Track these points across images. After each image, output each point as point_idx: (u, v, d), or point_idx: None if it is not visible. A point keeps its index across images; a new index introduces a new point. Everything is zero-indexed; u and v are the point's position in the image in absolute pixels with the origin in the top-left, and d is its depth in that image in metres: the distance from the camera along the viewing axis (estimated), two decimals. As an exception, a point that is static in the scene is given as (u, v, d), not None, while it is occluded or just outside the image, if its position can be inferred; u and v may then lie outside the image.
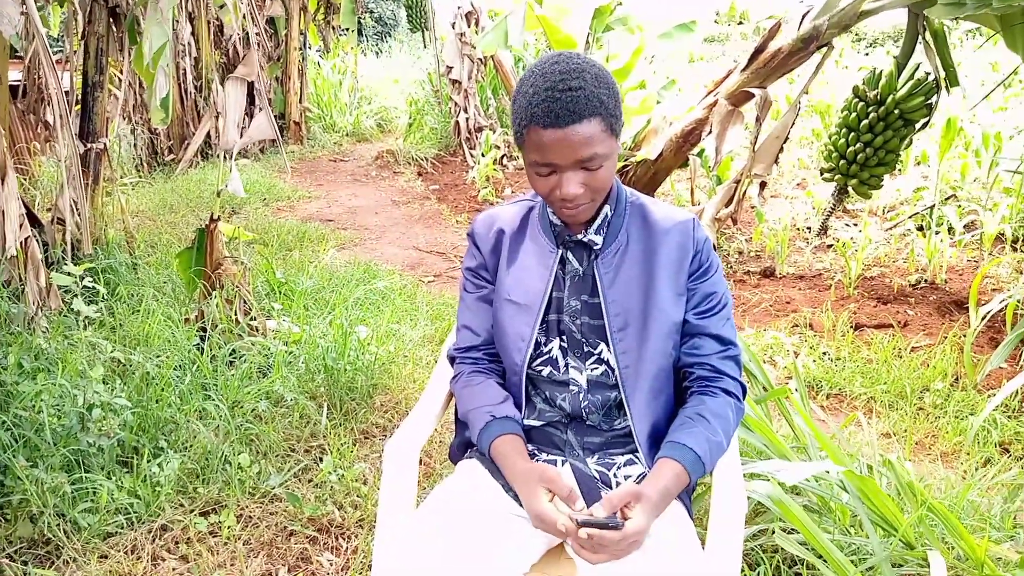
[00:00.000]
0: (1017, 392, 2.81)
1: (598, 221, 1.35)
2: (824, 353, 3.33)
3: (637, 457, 1.39)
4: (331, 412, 2.58)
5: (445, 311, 3.59)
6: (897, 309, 3.84)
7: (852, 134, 3.81)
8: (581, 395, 1.38)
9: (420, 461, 1.44)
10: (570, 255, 1.38)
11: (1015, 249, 4.75)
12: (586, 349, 1.38)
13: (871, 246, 4.66)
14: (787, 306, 3.94)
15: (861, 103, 3.77)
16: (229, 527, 2.02)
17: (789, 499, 1.43)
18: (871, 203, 5.81)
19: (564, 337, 1.38)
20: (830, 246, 4.95)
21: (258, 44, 8.36)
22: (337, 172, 7.71)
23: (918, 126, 3.73)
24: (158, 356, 2.61)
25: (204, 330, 2.86)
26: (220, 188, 2.94)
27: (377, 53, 15.97)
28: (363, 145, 9.28)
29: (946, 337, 3.37)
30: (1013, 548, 1.52)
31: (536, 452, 1.41)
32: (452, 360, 1.52)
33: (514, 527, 1.29)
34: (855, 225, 5.52)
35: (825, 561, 1.45)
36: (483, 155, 6.99)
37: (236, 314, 2.95)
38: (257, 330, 2.99)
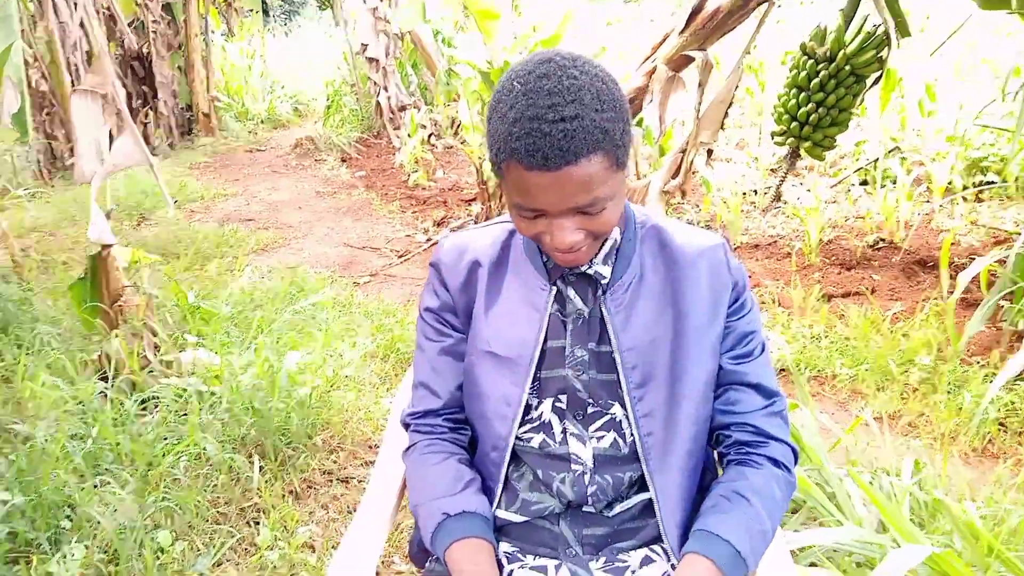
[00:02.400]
0: (1008, 340, 2.64)
1: (605, 249, 1.03)
2: (799, 332, 3.12)
3: (656, 550, 1.09)
4: (264, 463, 2.23)
5: (386, 320, 3.25)
6: (862, 275, 3.66)
7: (803, 94, 3.58)
8: (587, 476, 1.06)
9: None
10: (571, 292, 1.06)
11: (965, 200, 4.64)
12: (591, 411, 1.06)
13: (823, 207, 4.47)
14: (749, 280, 3.73)
15: (810, 61, 3.53)
16: (150, 632, 1.67)
17: None
18: (813, 160, 5.65)
19: (562, 397, 1.06)
20: (779, 209, 4.76)
21: (155, 32, 7.74)
22: (254, 164, 7.21)
23: (870, 81, 3.51)
24: (52, 418, 2.21)
25: (106, 378, 2.46)
26: (108, 209, 2.52)
27: (286, 34, 15.21)
28: (280, 132, 8.77)
29: (924, 303, 3.20)
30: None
31: (518, 557, 1.09)
32: (406, 427, 1.17)
33: None
34: (801, 185, 5.35)
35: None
36: (409, 136, 6.59)
37: (143, 351, 2.56)
38: (170, 366, 2.60)
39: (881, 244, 4.04)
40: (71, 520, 1.91)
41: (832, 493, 1.54)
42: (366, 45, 7.35)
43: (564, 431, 1.07)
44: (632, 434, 1.06)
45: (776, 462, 1.05)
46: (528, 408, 1.07)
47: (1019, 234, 3.45)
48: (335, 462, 2.34)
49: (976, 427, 2.44)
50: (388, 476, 1.22)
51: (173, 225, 5.03)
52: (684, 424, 1.04)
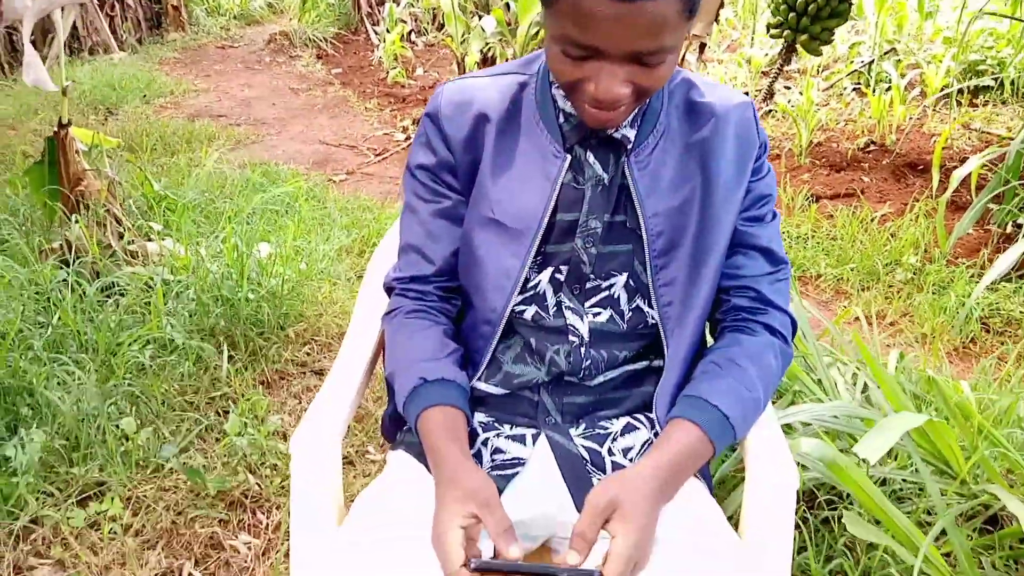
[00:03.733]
0: (992, 242, 2.60)
1: (633, 112, 0.92)
2: (785, 231, 3.05)
3: (639, 419, 1.03)
4: (234, 353, 2.16)
5: (362, 215, 3.14)
6: (852, 176, 3.57)
7: (803, -17, 3.41)
8: (583, 349, 0.99)
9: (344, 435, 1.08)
10: (591, 157, 0.95)
11: (959, 104, 4.53)
12: (588, 287, 0.98)
13: (815, 109, 4.35)
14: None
15: (812, -55, 3.35)
16: (114, 517, 1.62)
17: (847, 462, 1.11)
18: (805, 62, 5.48)
19: (563, 268, 0.98)
20: (770, 111, 4.63)
21: (117, -85, 7.26)
22: (226, 60, 6.91)
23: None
24: (7, 302, 2.11)
25: (67, 263, 2.35)
26: (64, 85, 2.36)
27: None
28: (253, 28, 8.37)
29: (915, 202, 3.13)
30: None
31: (496, 427, 1.03)
32: (389, 291, 1.08)
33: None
34: (793, 88, 5.20)
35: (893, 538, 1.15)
36: (388, 31, 6.31)
37: (108, 238, 2.44)
38: (136, 256, 2.50)
39: (872, 147, 3.94)
40: (31, 408, 1.84)
41: (819, 379, 1.50)
42: (344, -67, 6.96)
43: (559, 304, 0.99)
44: (631, 308, 0.99)
45: (773, 330, 0.99)
46: (526, 280, 0.99)
47: (1012, 139, 3.37)
48: (308, 354, 2.28)
49: (960, 327, 2.41)
50: (360, 344, 1.14)
51: (140, 119, 4.81)
52: (704, 292, 0.97)
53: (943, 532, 1.15)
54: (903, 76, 4.49)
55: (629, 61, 0.79)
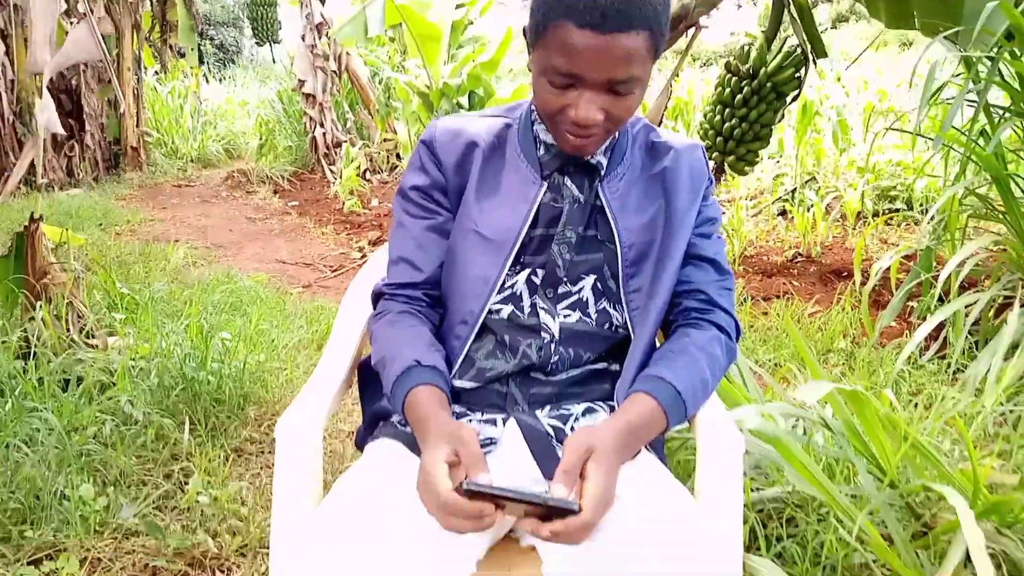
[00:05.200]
0: (918, 343, 2.79)
1: (605, 143, 1.10)
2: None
3: (599, 405, 1.13)
4: (195, 429, 2.17)
5: (321, 315, 3.22)
6: (782, 281, 3.82)
7: (727, 110, 3.78)
8: (553, 345, 1.10)
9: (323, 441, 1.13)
10: (568, 181, 1.12)
11: (875, 223, 4.93)
12: (561, 291, 1.11)
13: (744, 226, 4.68)
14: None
15: (734, 78, 3.75)
16: (71, 575, 1.59)
17: (786, 437, 1.22)
18: (734, 193, 5.92)
19: (539, 271, 1.11)
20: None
21: (86, 65, 7.63)
22: (183, 196, 7.11)
23: (789, 99, 3.74)
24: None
25: (28, 353, 2.37)
26: (38, 130, 2.44)
27: (220, 80, 15.16)
28: (210, 171, 8.65)
29: (840, 298, 3.36)
30: (1006, 469, 1.39)
31: (467, 413, 1.11)
32: (378, 297, 1.18)
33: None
34: (724, 213, 5.58)
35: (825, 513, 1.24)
36: (344, 168, 6.62)
37: (68, 328, 2.48)
38: (96, 348, 2.53)
39: (799, 258, 4.24)
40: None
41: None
42: (303, 81, 7.41)
43: (534, 305, 1.11)
44: (598, 311, 1.12)
45: (720, 327, 1.12)
46: (503, 283, 1.11)
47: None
48: (267, 434, 2.29)
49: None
50: (344, 343, 1.23)
51: (98, 244, 4.90)
52: (662, 297, 1.11)
53: (882, 524, 1.24)
54: (823, 199, 4.89)
55: (604, 90, 0.96)
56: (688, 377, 1.03)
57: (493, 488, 0.83)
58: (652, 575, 0.85)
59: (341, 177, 6.55)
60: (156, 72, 10.04)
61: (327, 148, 7.62)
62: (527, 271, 1.11)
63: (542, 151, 1.12)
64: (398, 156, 7.20)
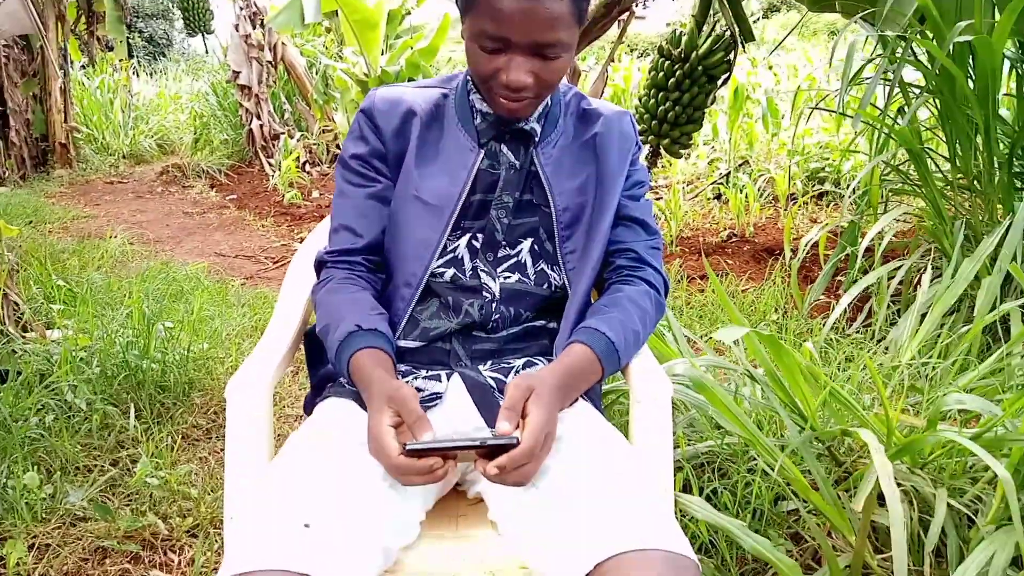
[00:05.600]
0: (845, 312, 2.93)
1: (538, 110, 1.17)
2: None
3: (539, 359, 1.19)
4: (140, 416, 2.16)
5: (264, 303, 3.22)
6: (717, 260, 3.95)
7: (661, 93, 3.89)
8: (494, 304, 1.17)
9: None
10: (504, 148, 1.17)
11: (805, 203, 5.12)
12: (500, 254, 1.18)
13: (681, 209, 4.81)
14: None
15: (667, 62, 3.85)
16: (19, 560, 1.59)
17: (709, 381, 1.30)
18: (671, 177, 6.06)
19: (479, 236, 1.17)
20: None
21: (7, 58, 7.37)
22: (116, 192, 6.94)
23: (720, 81, 3.86)
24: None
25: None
26: None
27: (151, 74, 14.76)
28: (143, 167, 8.44)
29: (771, 274, 3.50)
30: (913, 415, 1.50)
31: (412, 371, 1.16)
32: (321, 266, 1.22)
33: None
34: (660, 199, 5.71)
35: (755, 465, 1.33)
36: (283, 160, 6.55)
37: (3, 320, 2.43)
38: (34, 340, 2.49)
39: (733, 238, 4.38)
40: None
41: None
42: (238, 72, 7.30)
43: (475, 267, 1.17)
44: (536, 271, 1.18)
45: (649, 283, 1.19)
46: (445, 248, 1.16)
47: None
48: (213, 420, 2.30)
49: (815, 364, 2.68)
50: (290, 307, 1.27)
51: (28, 241, 4.77)
52: (594, 257, 1.17)
53: (808, 473, 1.33)
54: (755, 181, 5.05)
55: (532, 54, 1.02)
56: (620, 328, 1.10)
57: (435, 443, 0.89)
58: (589, 510, 0.91)
59: (280, 169, 6.48)
60: (83, 66, 9.76)
61: (265, 140, 7.52)
62: (468, 235, 1.17)
63: (479, 120, 1.17)
64: (338, 146, 7.15)
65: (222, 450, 2.17)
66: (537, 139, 1.18)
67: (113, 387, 2.21)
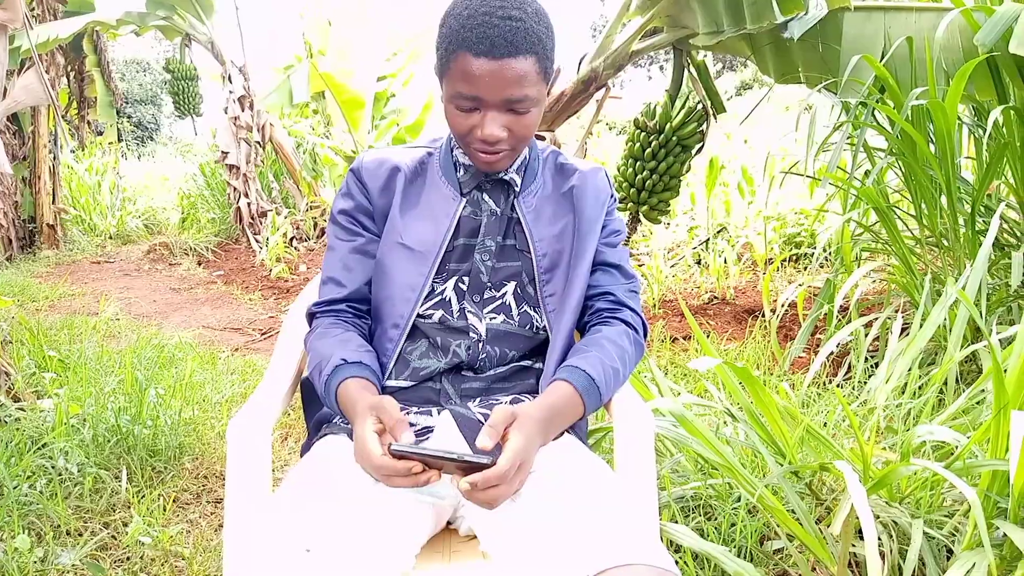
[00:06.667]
0: (825, 367, 3.00)
1: (517, 162, 1.26)
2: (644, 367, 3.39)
3: (525, 396, 1.25)
4: (132, 479, 2.17)
5: (253, 371, 3.25)
6: (700, 321, 4.03)
7: (638, 163, 4.05)
8: (480, 344, 1.23)
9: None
10: (486, 196, 1.26)
11: (784, 265, 5.25)
12: (487, 296, 1.25)
13: (663, 275, 4.92)
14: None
15: (643, 133, 4.02)
16: (8, 622, 1.58)
17: (691, 416, 1.35)
18: (653, 245, 6.20)
19: (465, 279, 1.24)
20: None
21: (-3, 143, 7.50)
22: (103, 271, 6.99)
23: (694, 151, 4.03)
24: None
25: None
26: None
27: (139, 156, 15.03)
28: (130, 246, 8.52)
29: (751, 332, 3.57)
30: (888, 450, 1.55)
31: (404, 408, 1.21)
32: (311, 317, 1.30)
33: (396, 507, 1.07)
34: (642, 265, 5.84)
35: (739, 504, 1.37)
36: (271, 236, 6.65)
37: (-5, 391, 2.45)
38: (25, 412, 2.50)
39: (715, 301, 4.48)
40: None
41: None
42: (226, 152, 7.46)
43: (462, 309, 1.24)
44: (520, 313, 1.25)
45: (627, 323, 1.27)
46: (433, 290, 1.24)
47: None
48: (204, 485, 2.30)
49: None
50: (287, 352, 1.32)
51: (18, 313, 4.78)
52: (573, 300, 1.24)
53: (785, 500, 1.37)
54: (733, 247, 5.19)
55: (504, 110, 1.11)
56: (600, 365, 1.16)
57: (416, 449, 0.94)
58: (575, 530, 0.95)
59: (267, 245, 6.57)
60: (73, 150, 9.93)
61: (252, 218, 7.63)
62: (454, 279, 1.24)
63: (461, 172, 1.26)
64: (325, 221, 7.27)
65: (212, 513, 2.17)
66: (518, 189, 1.26)
67: (104, 451, 2.22)
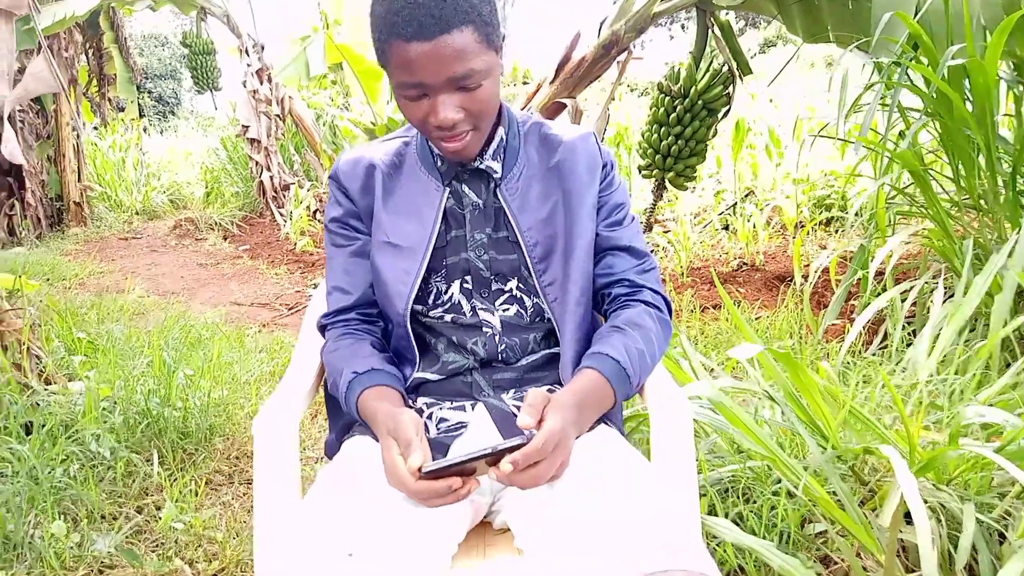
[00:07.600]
0: (861, 335, 2.94)
1: (493, 146, 1.18)
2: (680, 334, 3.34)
3: (557, 387, 1.21)
4: (163, 462, 2.18)
5: (281, 348, 3.25)
6: (729, 289, 3.97)
7: (663, 128, 3.95)
8: (496, 337, 1.19)
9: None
10: (466, 188, 1.19)
11: (814, 229, 5.14)
12: (495, 288, 1.20)
13: (691, 236, 4.84)
14: (616, 161, 3.97)
15: (667, 98, 3.92)
16: (47, 609, 1.59)
17: (729, 402, 1.31)
18: (679, 210, 6.10)
19: (468, 278, 1.19)
20: (648, 241, 5.09)
21: (23, 122, 7.55)
22: (131, 247, 7.04)
23: (720, 115, 3.93)
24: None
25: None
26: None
27: (161, 131, 15.06)
28: (156, 222, 8.57)
29: (783, 300, 3.51)
30: (933, 429, 1.50)
31: (437, 403, 1.19)
32: (323, 331, 1.27)
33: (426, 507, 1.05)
34: (668, 232, 5.75)
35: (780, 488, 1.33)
36: (294, 209, 6.65)
37: (26, 374, 2.47)
38: (57, 392, 2.51)
39: (744, 267, 4.40)
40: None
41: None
42: (247, 127, 7.44)
43: (473, 307, 1.20)
44: (531, 304, 1.20)
45: (647, 303, 1.20)
46: (438, 293, 1.19)
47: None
48: (236, 465, 2.31)
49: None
50: (307, 351, 1.29)
51: (46, 298, 4.83)
52: (576, 281, 1.18)
53: (826, 482, 1.33)
54: (762, 211, 5.09)
55: (452, 89, 1.02)
56: (623, 348, 1.11)
57: (447, 463, 0.90)
58: (614, 531, 0.92)
59: (291, 219, 6.57)
60: (95, 127, 9.96)
61: (275, 191, 7.63)
62: (457, 281, 1.19)
63: (440, 162, 1.20)
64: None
65: (245, 494, 2.18)
66: (500, 176, 1.19)
67: (136, 435, 2.23)
